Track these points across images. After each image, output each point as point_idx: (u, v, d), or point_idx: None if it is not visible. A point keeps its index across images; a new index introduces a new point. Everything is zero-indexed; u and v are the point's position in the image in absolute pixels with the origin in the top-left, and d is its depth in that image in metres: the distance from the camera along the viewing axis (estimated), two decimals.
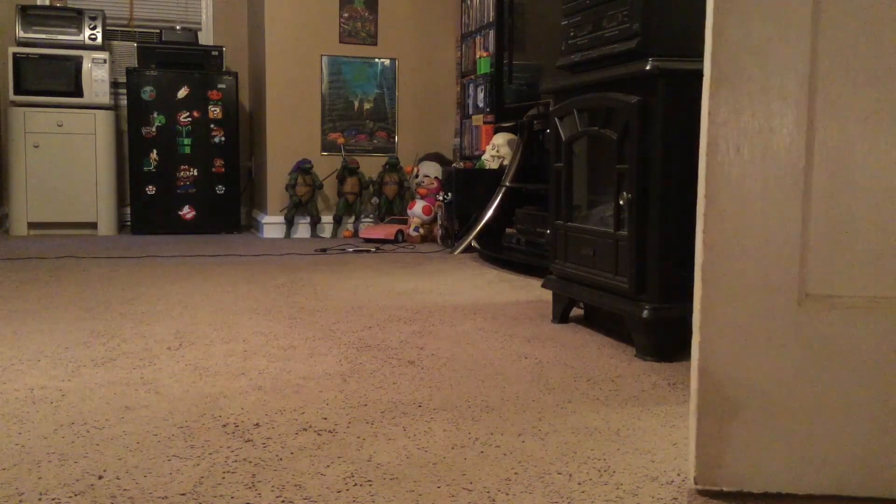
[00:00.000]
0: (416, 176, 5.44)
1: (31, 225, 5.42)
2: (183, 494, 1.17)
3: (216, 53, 5.74)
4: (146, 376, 1.83)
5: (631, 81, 2.09)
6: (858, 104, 1.13)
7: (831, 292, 1.15)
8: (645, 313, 2.02)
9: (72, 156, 5.45)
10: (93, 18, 5.53)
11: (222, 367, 1.92)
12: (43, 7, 5.69)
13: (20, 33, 5.42)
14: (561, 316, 2.51)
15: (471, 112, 5.44)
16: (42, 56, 5.40)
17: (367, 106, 5.66)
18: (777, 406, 1.16)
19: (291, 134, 5.48)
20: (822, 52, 1.12)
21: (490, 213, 4.36)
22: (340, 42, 5.55)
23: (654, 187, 2.03)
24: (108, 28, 5.76)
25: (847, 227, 1.14)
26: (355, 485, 1.21)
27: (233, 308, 2.71)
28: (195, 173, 5.63)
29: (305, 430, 1.47)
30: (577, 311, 2.57)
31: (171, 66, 5.58)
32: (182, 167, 5.60)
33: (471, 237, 4.43)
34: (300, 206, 5.40)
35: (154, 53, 5.60)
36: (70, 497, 1.16)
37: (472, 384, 1.79)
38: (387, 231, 5.16)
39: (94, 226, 5.54)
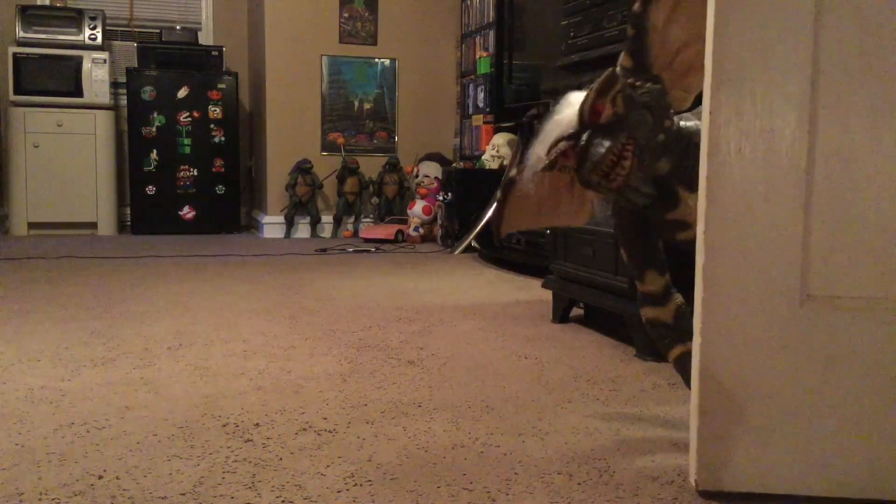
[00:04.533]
0: (416, 176, 5.44)
1: (31, 225, 5.42)
2: (183, 494, 1.17)
3: (216, 53, 5.74)
4: (146, 376, 1.83)
5: None
6: (861, 104, 1.13)
7: (833, 293, 1.14)
8: None
9: (72, 156, 5.45)
10: (93, 18, 5.53)
11: (222, 367, 1.92)
12: (43, 7, 5.68)
13: (20, 33, 5.42)
14: (561, 316, 2.51)
15: (471, 112, 5.44)
16: (42, 56, 5.40)
17: (367, 106, 5.66)
18: (778, 407, 1.16)
19: (291, 134, 5.48)
20: (825, 52, 1.12)
21: (490, 213, 4.35)
22: (340, 42, 5.54)
23: None
24: (108, 28, 5.76)
25: (850, 228, 1.14)
26: (355, 485, 1.21)
27: (233, 308, 2.71)
28: (195, 173, 5.63)
29: (305, 430, 1.47)
30: (577, 311, 2.57)
31: (171, 66, 5.58)
32: (182, 167, 5.60)
33: (471, 237, 4.43)
34: (300, 206, 5.40)
35: (154, 53, 5.60)
36: (70, 497, 1.16)
37: (472, 384, 1.79)
38: (387, 231, 5.16)
39: (94, 226, 5.54)
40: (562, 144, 1.29)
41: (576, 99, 1.31)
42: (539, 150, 1.35)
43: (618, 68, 1.31)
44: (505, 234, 1.48)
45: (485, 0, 5.21)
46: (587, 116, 1.26)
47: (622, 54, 1.32)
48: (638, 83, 1.28)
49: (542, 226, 1.54)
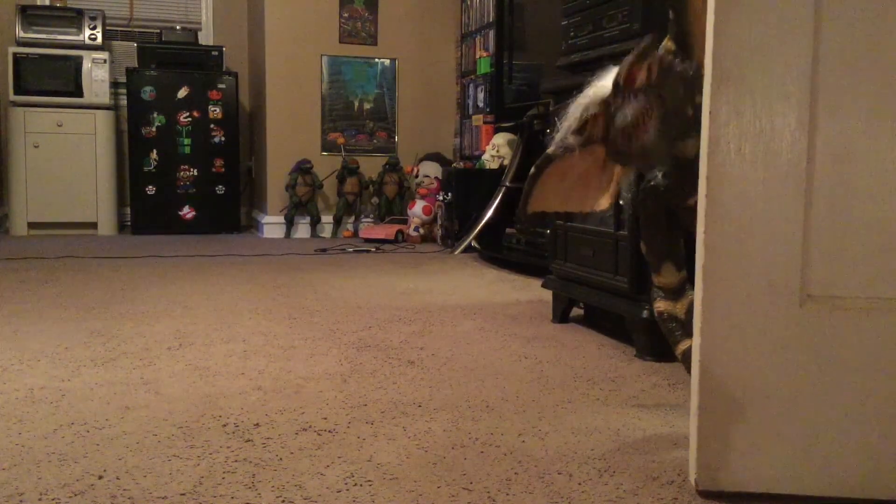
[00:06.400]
0: (416, 176, 5.44)
1: (31, 225, 5.41)
2: (183, 494, 1.17)
3: (216, 53, 5.73)
4: (146, 376, 1.83)
5: None
6: (860, 104, 1.13)
7: (833, 293, 1.14)
8: (645, 313, 2.02)
9: (72, 156, 5.44)
10: (93, 18, 5.53)
11: (222, 367, 1.92)
12: (43, 7, 5.68)
13: (20, 33, 5.42)
14: (561, 316, 2.51)
15: (471, 112, 5.44)
16: (42, 56, 5.40)
17: (367, 106, 5.66)
18: (778, 407, 1.16)
19: (291, 134, 5.48)
20: (824, 52, 1.12)
21: (490, 213, 4.35)
22: (340, 42, 5.54)
23: None
24: (108, 28, 5.76)
25: (849, 228, 1.14)
26: (355, 485, 1.21)
27: (233, 308, 2.71)
28: (195, 173, 5.62)
29: (305, 430, 1.47)
30: (577, 311, 2.57)
31: (171, 66, 5.57)
32: (182, 167, 5.60)
33: (471, 237, 4.43)
34: (300, 206, 5.40)
35: (154, 53, 5.60)
36: (70, 497, 1.16)
37: (472, 384, 1.79)
38: (387, 231, 5.16)
39: (94, 226, 5.53)
40: (592, 107, 1.32)
41: (611, 71, 1.34)
42: (571, 119, 1.37)
43: (661, 52, 1.33)
44: (531, 211, 1.48)
45: (485, 0, 5.21)
46: (623, 81, 1.29)
47: (666, 39, 1.34)
48: (678, 60, 1.31)
49: (567, 209, 1.55)
